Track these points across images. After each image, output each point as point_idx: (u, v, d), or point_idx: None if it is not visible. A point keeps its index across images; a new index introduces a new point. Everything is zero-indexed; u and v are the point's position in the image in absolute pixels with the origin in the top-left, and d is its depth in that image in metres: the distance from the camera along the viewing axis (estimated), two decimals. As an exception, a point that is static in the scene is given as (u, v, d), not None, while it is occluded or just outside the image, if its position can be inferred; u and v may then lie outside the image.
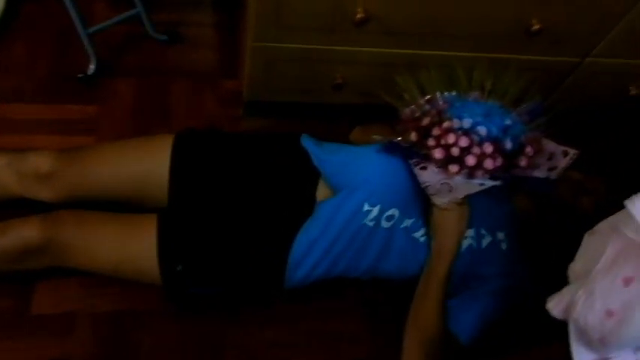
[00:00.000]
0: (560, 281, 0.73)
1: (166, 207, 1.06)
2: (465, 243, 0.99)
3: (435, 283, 0.96)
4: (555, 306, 0.66)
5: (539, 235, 1.05)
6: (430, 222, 0.98)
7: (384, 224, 0.99)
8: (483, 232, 1.01)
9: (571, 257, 0.78)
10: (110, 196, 1.06)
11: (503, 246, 1.02)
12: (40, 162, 1.04)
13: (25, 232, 0.96)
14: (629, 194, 0.72)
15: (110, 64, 1.43)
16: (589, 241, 0.73)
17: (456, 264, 0.97)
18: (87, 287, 1.08)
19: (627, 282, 0.59)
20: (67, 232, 0.97)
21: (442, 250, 0.97)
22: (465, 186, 0.90)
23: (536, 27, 1.07)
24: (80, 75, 1.36)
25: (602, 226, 0.71)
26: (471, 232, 1.00)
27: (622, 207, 0.69)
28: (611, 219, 0.70)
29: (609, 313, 0.60)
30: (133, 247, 0.98)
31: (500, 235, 1.02)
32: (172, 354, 1.07)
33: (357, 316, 1.17)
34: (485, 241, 1.01)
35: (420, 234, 1.01)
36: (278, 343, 1.11)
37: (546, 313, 0.71)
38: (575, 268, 0.74)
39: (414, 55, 1.13)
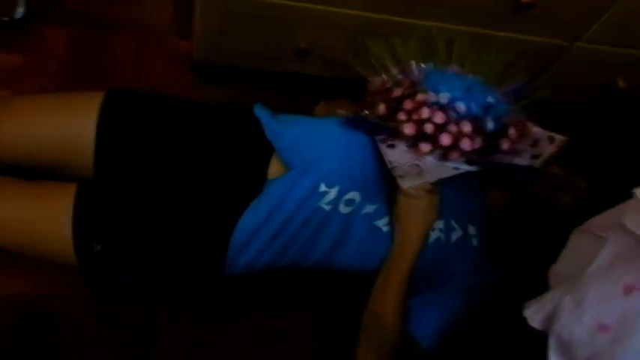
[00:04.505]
0: (537, 285, 0.64)
1: (92, 177, 0.90)
2: (433, 235, 0.89)
3: (396, 280, 0.86)
4: (534, 314, 0.57)
5: (513, 233, 0.96)
6: (394, 210, 0.87)
7: (343, 209, 0.87)
8: (454, 224, 0.91)
9: (549, 258, 0.68)
10: (26, 160, 0.90)
11: (475, 242, 0.92)
12: None
13: None
14: (612, 197, 0.63)
15: (42, 8, 1.23)
16: (577, 240, 0.62)
17: (421, 259, 0.87)
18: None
19: (628, 290, 0.48)
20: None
21: (406, 242, 0.86)
22: (437, 169, 0.80)
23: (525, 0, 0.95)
24: (5, 18, 1.18)
25: (595, 223, 0.61)
26: (440, 224, 0.90)
27: (603, 209, 0.60)
28: (608, 214, 0.60)
29: (603, 328, 0.49)
30: (45, 219, 0.84)
31: (472, 230, 0.93)
32: (91, 350, 0.92)
33: (302, 313, 1.06)
34: (455, 235, 0.91)
35: (383, 222, 0.89)
36: (213, 340, 0.98)
37: (519, 321, 0.61)
38: (557, 269, 0.64)
39: (395, 22, 1.00)
